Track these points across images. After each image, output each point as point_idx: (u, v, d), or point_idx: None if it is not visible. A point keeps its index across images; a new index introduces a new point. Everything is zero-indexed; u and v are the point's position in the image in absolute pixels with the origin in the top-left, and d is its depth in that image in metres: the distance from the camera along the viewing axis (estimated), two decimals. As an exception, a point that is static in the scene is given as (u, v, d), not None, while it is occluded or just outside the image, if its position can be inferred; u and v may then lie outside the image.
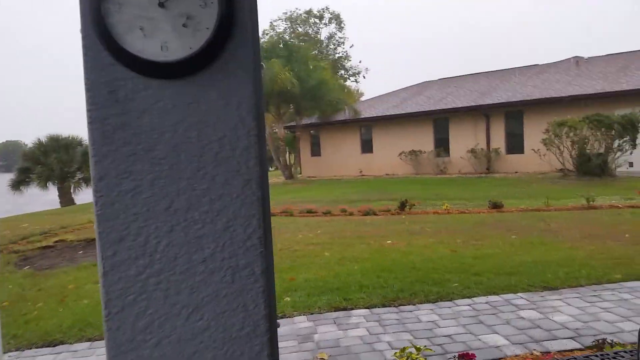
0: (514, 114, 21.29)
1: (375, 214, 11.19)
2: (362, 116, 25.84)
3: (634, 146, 16.22)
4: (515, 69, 26.66)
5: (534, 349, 3.53)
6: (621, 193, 12.76)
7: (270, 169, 36.20)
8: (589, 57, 24.94)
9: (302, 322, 4.42)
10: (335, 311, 4.69)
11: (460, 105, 22.69)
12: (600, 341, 3.33)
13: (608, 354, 3.15)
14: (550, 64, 25.70)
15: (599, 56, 24.52)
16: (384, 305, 4.76)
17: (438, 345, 3.74)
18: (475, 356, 3.24)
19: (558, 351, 3.48)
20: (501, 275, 5.52)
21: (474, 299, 4.80)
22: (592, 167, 16.55)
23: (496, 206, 11.16)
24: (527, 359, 3.39)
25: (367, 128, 26.21)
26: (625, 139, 16.05)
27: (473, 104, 22.32)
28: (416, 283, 5.37)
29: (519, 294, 4.85)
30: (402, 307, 4.68)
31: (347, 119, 26.17)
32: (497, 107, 21.41)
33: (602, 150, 16.46)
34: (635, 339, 3.57)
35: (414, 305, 4.73)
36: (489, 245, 7.26)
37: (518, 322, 4.11)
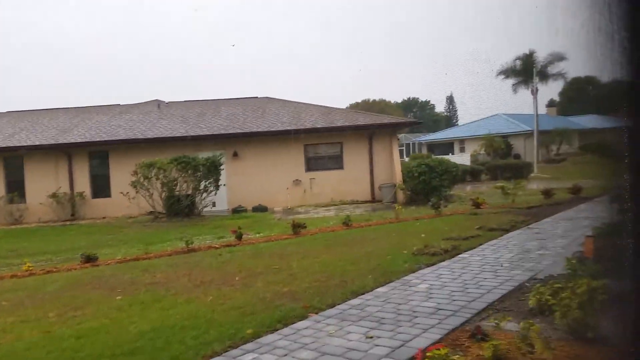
0: (98, 154, 19.92)
1: None
2: None
3: (217, 187, 17.51)
4: (97, 107, 25.41)
5: None
6: (213, 232, 13.30)
7: None
8: (169, 102, 26.14)
9: None
10: None
11: (37, 143, 19.66)
12: None
13: None
14: (133, 105, 25.60)
15: (179, 101, 26.03)
16: None
17: None
18: None
19: None
20: (119, 358, 4.27)
21: (92, 409, 3.38)
22: (182, 208, 16.94)
23: (90, 259, 9.60)
24: None
25: None
26: (210, 180, 17.15)
27: (53, 141, 19.71)
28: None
29: (151, 384, 3.73)
30: None
31: None
32: (80, 146, 19.57)
33: (190, 192, 17.07)
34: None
35: None
36: (93, 314, 5.82)
37: None
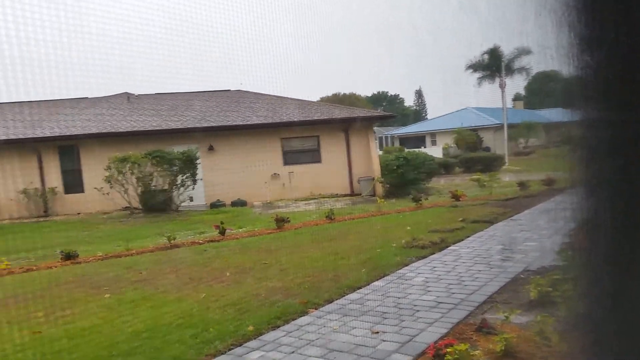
0: (69, 149, 19.32)
1: None
2: None
3: (194, 181, 17.22)
4: (64, 101, 24.62)
5: None
6: (193, 228, 13.08)
7: None
8: (138, 94, 25.56)
9: None
10: None
11: (4, 138, 18.94)
12: None
13: None
14: (101, 98, 24.90)
15: (149, 94, 25.46)
16: None
17: None
18: None
19: None
20: (117, 359, 4.14)
21: (99, 414, 3.27)
22: (158, 204, 16.61)
23: (70, 257, 9.32)
24: None
25: None
26: (186, 174, 16.84)
27: (21, 136, 19.03)
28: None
29: (157, 386, 3.63)
30: None
31: None
32: (50, 140, 18.94)
33: (166, 187, 16.74)
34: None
35: None
36: (83, 314, 5.64)
37: None
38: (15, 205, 18.30)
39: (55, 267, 8.82)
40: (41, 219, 17.49)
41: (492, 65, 39.46)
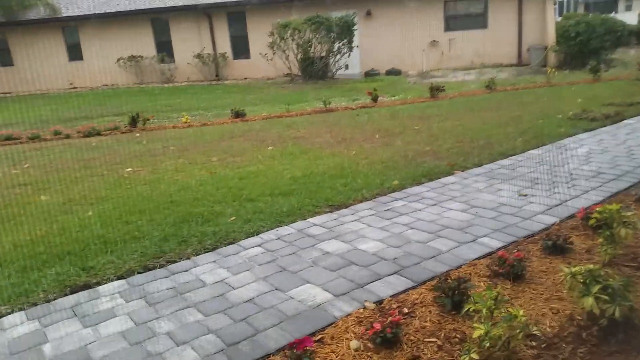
0: (237, 15, 20.31)
1: (100, 134, 9.11)
2: (64, 15, 21.31)
3: (350, 49, 17.20)
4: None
5: (366, 299, 2.76)
6: (347, 95, 13.38)
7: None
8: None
9: (15, 327, 2.74)
10: (72, 293, 3.12)
11: (180, 4, 20.51)
12: (442, 279, 2.73)
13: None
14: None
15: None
16: (146, 268, 3.39)
17: (242, 320, 2.65)
18: (311, 342, 2.27)
19: (392, 296, 2.78)
20: (279, 197, 4.68)
21: (262, 235, 3.82)
22: (316, 71, 17.08)
23: (239, 115, 10.32)
24: (364, 317, 2.58)
25: (72, 30, 21.80)
26: (343, 41, 16.84)
27: (193, 2, 20.41)
28: (182, 224, 4.10)
29: (310, 220, 4.07)
30: (172, 267, 3.40)
31: (44, 17, 21.27)
32: (219, 6, 20.05)
33: (323, 54, 17.01)
34: (456, 257, 3.14)
35: (188, 259, 3.49)
36: (249, 160, 6.36)
37: (326, 260, 3.30)
38: (191, 69, 20.29)
39: (227, 123, 9.86)
40: (213, 82, 19.28)
41: None
